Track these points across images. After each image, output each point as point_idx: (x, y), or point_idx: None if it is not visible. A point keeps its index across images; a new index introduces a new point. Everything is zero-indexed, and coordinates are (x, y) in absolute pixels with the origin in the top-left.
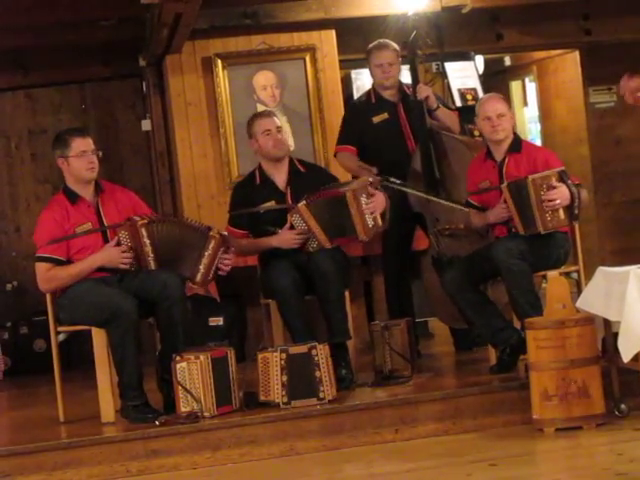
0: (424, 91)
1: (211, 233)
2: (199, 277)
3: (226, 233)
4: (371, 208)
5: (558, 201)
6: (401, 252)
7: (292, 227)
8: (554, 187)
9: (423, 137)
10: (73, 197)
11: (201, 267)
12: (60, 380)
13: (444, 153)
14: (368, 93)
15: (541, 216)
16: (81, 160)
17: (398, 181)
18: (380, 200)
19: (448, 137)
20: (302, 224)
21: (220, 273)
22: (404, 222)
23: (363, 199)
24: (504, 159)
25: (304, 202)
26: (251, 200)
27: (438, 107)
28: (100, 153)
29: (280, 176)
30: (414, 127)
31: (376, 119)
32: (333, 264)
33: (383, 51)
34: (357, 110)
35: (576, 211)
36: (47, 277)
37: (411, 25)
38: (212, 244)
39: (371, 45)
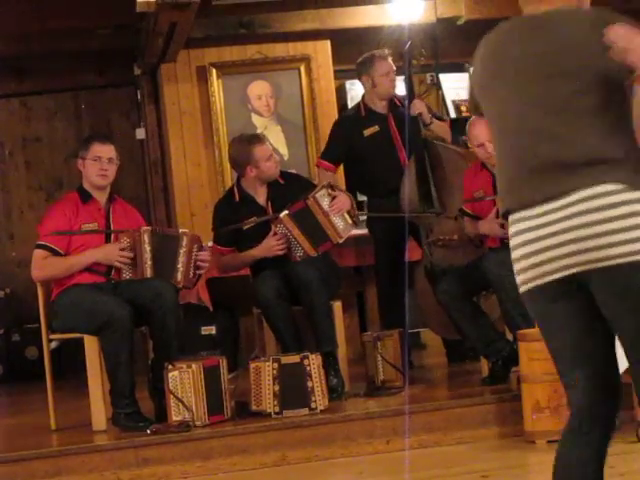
0: (418, 107)
1: (181, 231)
2: (179, 276)
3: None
4: (335, 209)
5: None
6: (393, 262)
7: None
8: None
9: (418, 147)
10: (86, 196)
11: (179, 266)
12: (52, 388)
13: (439, 163)
14: (357, 106)
15: None
16: (93, 165)
17: (364, 213)
18: (343, 199)
19: (443, 147)
20: (286, 233)
21: (199, 271)
22: (396, 232)
23: (325, 203)
24: None
25: (286, 212)
26: (233, 217)
27: (431, 122)
28: (118, 162)
29: (260, 192)
30: (409, 137)
31: (367, 132)
32: (315, 273)
33: (388, 60)
34: (347, 124)
35: None
36: (42, 264)
37: (406, 35)
38: (185, 241)
39: (371, 55)
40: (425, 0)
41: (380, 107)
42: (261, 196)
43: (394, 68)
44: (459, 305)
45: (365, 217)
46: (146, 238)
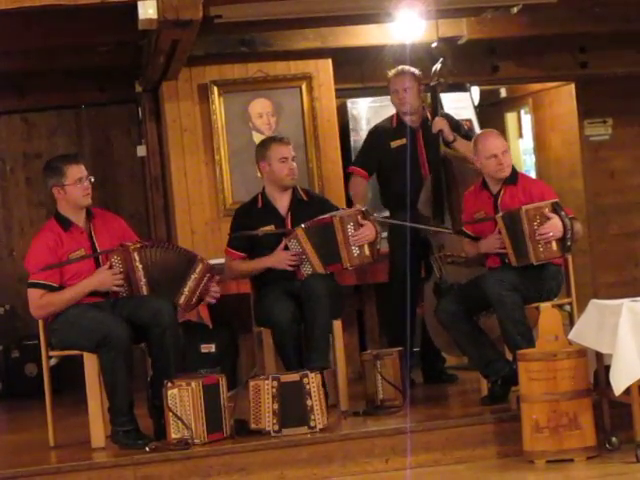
0: (438, 125)
1: (198, 258)
2: (182, 299)
3: (211, 262)
4: (357, 238)
5: (551, 233)
6: (407, 279)
7: (286, 249)
8: (547, 218)
9: (436, 164)
10: (66, 224)
11: (185, 289)
12: (51, 405)
13: (455, 181)
14: (391, 117)
15: (533, 247)
16: (78, 187)
17: (379, 217)
18: (368, 231)
19: (461, 165)
20: (298, 248)
21: (209, 300)
22: (412, 249)
23: (350, 227)
24: (500, 191)
25: (302, 226)
26: (252, 223)
27: (455, 140)
28: (92, 178)
29: (282, 202)
30: (432, 154)
31: (394, 144)
32: (325, 289)
33: (399, 76)
34: (378, 134)
35: (569, 243)
36: (40, 304)
37: (437, 54)
38: (199, 268)
39: (390, 72)
40: (427, 20)
41: (410, 121)
42: (282, 206)
43: (405, 86)
44: (458, 324)
45: (386, 234)
46: (136, 257)
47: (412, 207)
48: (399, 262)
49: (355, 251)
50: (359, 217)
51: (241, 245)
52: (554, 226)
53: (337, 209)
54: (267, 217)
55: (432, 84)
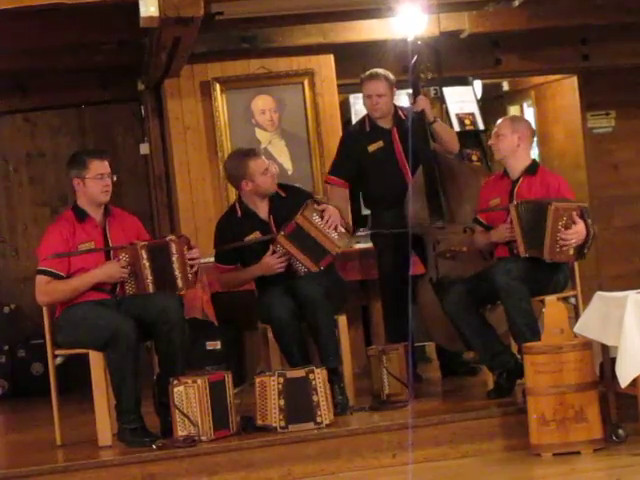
0: (421, 104)
1: (167, 239)
2: (180, 283)
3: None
4: (328, 224)
5: (574, 240)
6: (396, 276)
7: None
8: (574, 222)
9: (427, 159)
10: (82, 215)
11: (177, 273)
12: (57, 403)
13: (448, 175)
14: (363, 120)
15: (551, 245)
16: (97, 183)
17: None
18: (332, 212)
19: (453, 160)
20: (286, 252)
21: (193, 270)
22: (399, 245)
23: (316, 219)
24: (518, 179)
25: (282, 233)
26: (235, 234)
27: (435, 120)
28: (115, 177)
29: (262, 206)
30: (418, 151)
31: (371, 148)
32: (318, 289)
33: (373, 82)
34: (353, 139)
35: (585, 250)
36: (46, 290)
37: (412, 49)
38: (174, 248)
39: (363, 74)
40: (428, 14)
41: (384, 122)
42: (263, 211)
43: (379, 92)
44: (466, 317)
45: (369, 231)
46: (144, 254)
47: (396, 206)
48: (386, 261)
49: (334, 235)
50: (315, 206)
51: (229, 258)
52: (578, 233)
53: (310, 194)
54: (250, 225)
55: (412, 80)
